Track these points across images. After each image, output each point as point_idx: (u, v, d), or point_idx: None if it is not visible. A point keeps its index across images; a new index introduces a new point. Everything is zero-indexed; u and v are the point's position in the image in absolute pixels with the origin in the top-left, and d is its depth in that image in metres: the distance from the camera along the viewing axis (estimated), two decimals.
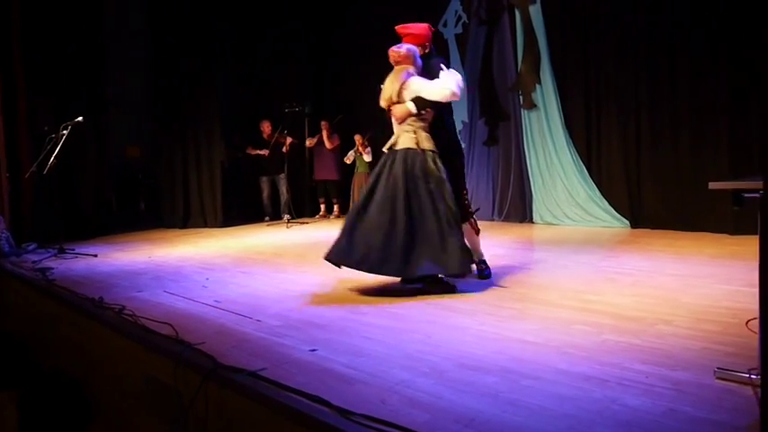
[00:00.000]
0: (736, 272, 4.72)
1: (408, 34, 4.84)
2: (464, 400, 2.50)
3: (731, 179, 5.59)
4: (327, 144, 10.21)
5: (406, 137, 4.53)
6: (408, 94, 4.54)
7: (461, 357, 3.02)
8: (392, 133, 4.74)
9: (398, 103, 4.57)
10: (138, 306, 4.22)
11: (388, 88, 4.61)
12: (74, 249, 7.05)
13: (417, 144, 4.50)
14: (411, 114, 4.53)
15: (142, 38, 10.04)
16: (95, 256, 6.82)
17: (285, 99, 9.99)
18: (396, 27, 4.95)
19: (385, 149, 4.63)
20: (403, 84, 4.54)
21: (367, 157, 10.01)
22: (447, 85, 4.49)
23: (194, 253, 6.98)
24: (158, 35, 9.65)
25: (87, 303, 4.43)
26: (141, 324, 3.75)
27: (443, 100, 4.57)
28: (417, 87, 4.53)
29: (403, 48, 4.68)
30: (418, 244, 4.32)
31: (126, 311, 4.04)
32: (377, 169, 4.60)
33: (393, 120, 4.64)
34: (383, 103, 4.66)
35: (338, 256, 4.44)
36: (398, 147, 4.52)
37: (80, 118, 7.10)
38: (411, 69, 4.62)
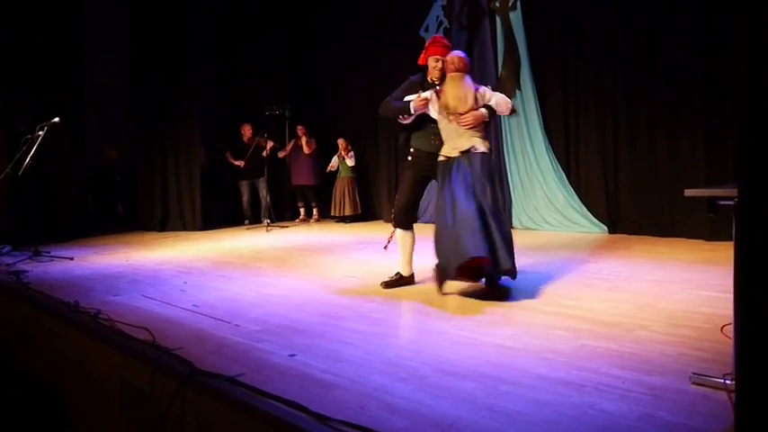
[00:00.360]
0: (711, 277, 4.78)
1: (447, 45, 4.86)
2: (443, 406, 2.50)
3: (707, 186, 5.69)
4: (306, 149, 10.17)
5: (478, 141, 4.55)
6: (481, 101, 4.60)
7: (440, 363, 3.02)
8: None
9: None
10: (115, 310, 4.18)
11: (460, 94, 4.54)
12: (49, 252, 6.95)
13: (489, 150, 4.64)
14: (485, 121, 4.61)
15: (122, 38, 9.94)
16: (71, 259, 6.73)
17: (266, 102, 9.95)
18: (436, 36, 4.99)
19: (453, 154, 4.55)
20: (477, 91, 4.60)
21: (350, 162, 9.99)
22: (509, 101, 4.72)
23: (172, 256, 6.92)
24: (138, 36, 9.57)
25: (62, 307, 4.36)
26: (118, 329, 3.70)
27: (507, 114, 4.84)
28: (489, 96, 4.64)
29: (464, 55, 4.72)
30: (502, 244, 4.34)
31: (102, 316, 4.00)
32: (454, 171, 4.50)
33: (457, 125, 4.55)
34: (455, 109, 4.54)
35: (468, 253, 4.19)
36: (477, 150, 4.52)
37: (57, 119, 7.01)
38: (470, 77, 4.70)
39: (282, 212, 10.59)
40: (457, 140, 4.56)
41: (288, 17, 10.94)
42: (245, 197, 10.16)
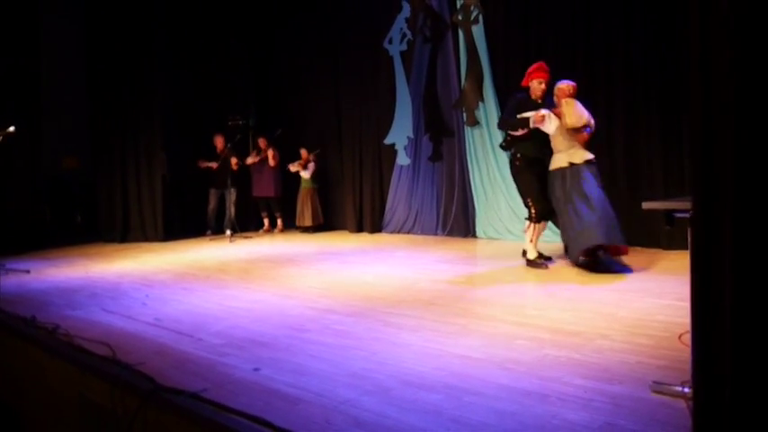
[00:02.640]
0: (668, 286, 4.90)
1: (548, 70, 6.07)
2: (408, 418, 2.51)
3: (665, 196, 5.81)
4: (272, 162, 10.11)
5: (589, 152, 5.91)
6: None
7: (405, 374, 3.03)
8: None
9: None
10: (74, 325, 4.10)
11: (580, 115, 5.75)
12: (4, 265, 6.76)
13: None
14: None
15: (80, 45, 9.75)
16: (28, 272, 6.57)
17: (231, 112, 9.90)
18: (541, 63, 6.16)
19: (579, 161, 5.75)
20: None
21: (305, 174, 9.95)
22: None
23: (133, 268, 6.80)
24: (97, 43, 9.40)
25: (19, 322, 4.25)
26: (76, 344, 3.63)
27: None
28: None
29: (574, 83, 5.93)
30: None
31: (60, 331, 3.92)
32: (586, 174, 5.73)
33: (575, 138, 5.77)
34: (574, 125, 5.71)
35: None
36: (594, 159, 5.90)
37: (12, 127, 6.83)
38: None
39: (247, 223, 10.50)
40: (579, 151, 5.73)
41: (251, 27, 10.90)
42: (212, 205, 10.06)
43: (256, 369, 3.18)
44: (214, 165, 9.87)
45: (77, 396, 3.32)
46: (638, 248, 6.91)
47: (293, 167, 10.09)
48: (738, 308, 1.60)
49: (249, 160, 10.21)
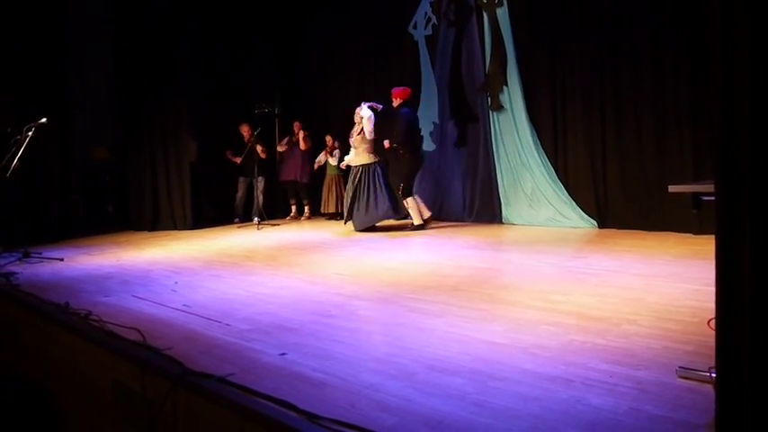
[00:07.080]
0: (698, 271, 4.83)
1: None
2: (432, 403, 2.53)
3: (695, 180, 5.71)
4: (302, 145, 10.15)
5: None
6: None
7: (430, 359, 3.05)
8: None
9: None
10: (105, 311, 4.18)
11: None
12: (40, 253, 6.93)
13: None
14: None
15: (108, 37, 9.87)
16: (61, 260, 6.71)
17: (256, 99, 9.94)
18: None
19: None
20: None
21: (333, 161, 9.96)
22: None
23: (163, 256, 6.91)
24: (124, 34, 9.50)
25: (53, 309, 4.36)
26: (108, 330, 3.71)
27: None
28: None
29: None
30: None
31: (92, 317, 4.00)
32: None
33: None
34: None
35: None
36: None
37: (44, 119, 6.97)
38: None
39: (274, 210, 10.57)
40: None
41: (276, 15, 10.91)
42: (240, 193, 10.14)
43: (283, 354, 3.23)
44: (238, 159, 9.94)
45: (109, 379, 3.41)
46: (670, 233, 6.82)
47: (319, 162, 10.10)
48: (757, 291, 1.58)
49: (280, 148, 10.26)
